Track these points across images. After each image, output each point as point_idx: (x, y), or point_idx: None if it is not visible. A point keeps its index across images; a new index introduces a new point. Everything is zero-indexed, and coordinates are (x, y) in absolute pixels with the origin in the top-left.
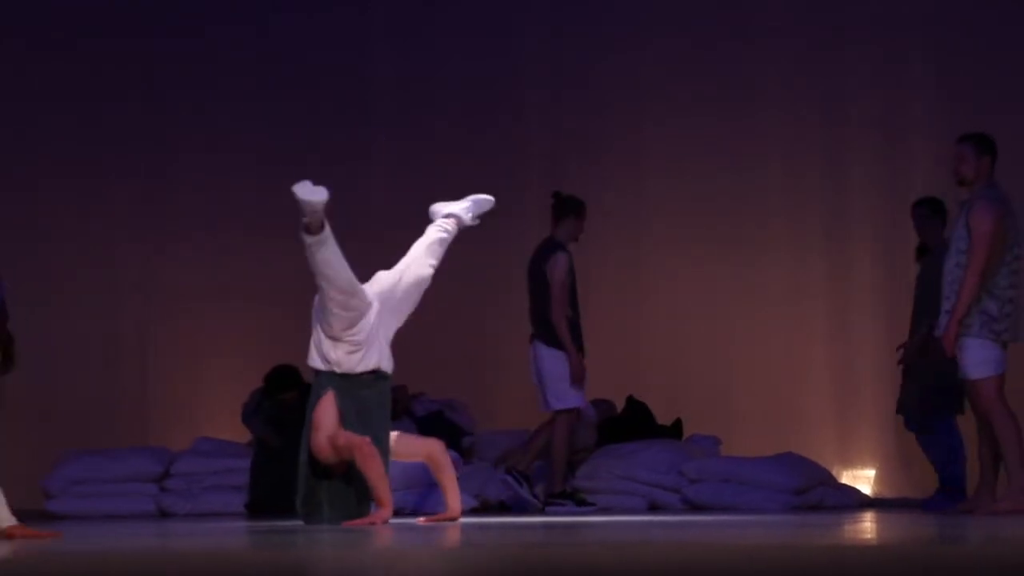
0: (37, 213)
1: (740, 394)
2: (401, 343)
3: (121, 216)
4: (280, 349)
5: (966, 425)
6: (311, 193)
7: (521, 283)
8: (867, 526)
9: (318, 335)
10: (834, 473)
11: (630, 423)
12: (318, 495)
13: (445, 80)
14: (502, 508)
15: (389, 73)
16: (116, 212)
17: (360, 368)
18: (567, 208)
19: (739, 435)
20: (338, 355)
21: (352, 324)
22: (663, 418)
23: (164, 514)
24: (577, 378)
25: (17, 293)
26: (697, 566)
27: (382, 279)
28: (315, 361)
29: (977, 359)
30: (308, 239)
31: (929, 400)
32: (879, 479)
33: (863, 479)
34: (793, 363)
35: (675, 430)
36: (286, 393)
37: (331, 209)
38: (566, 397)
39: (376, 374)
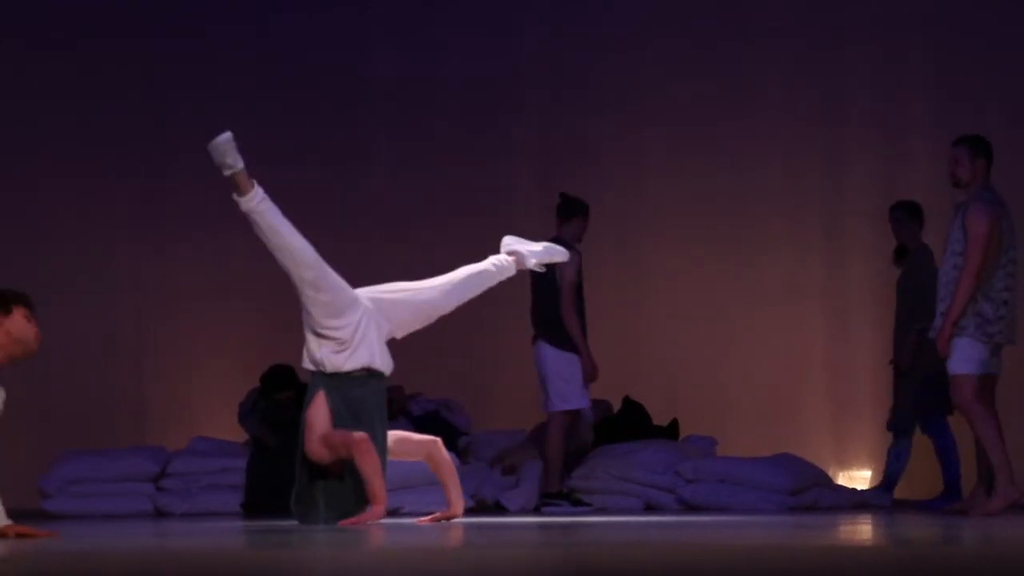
0: (37, 213)
1: (737, 394)
2: (398, 342)
3: (121, 216)
4: (277, 349)
5: (959, 427)
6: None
7: (518, 283)
8: (862, 527)
9: (306, 335)
10: (830, 474)
11: (626, 423)
12: (313, 494)
13: (445, 80)
14: (498, 508)
15: (389, 73)
16: (116, 212)
17: (348, 367)
18: (574, 209)
19: (736, 436)
20: (323, 354)
21: (335, 313)
22: (659, 418)
23: (160, 514)
24: (591, 378)
25: None
26: (693, 567)
27: (393, 285)
28: (305, 362)
29: (961, 356)
30: (241, 201)
31: (922, 403)
32: (875, 480)
33: (859, 480)
34: (790, 363)
35: (671, 430)
36: (282, 393)
37: (253, 170)
38: (569, 398)
39: (369, 372)
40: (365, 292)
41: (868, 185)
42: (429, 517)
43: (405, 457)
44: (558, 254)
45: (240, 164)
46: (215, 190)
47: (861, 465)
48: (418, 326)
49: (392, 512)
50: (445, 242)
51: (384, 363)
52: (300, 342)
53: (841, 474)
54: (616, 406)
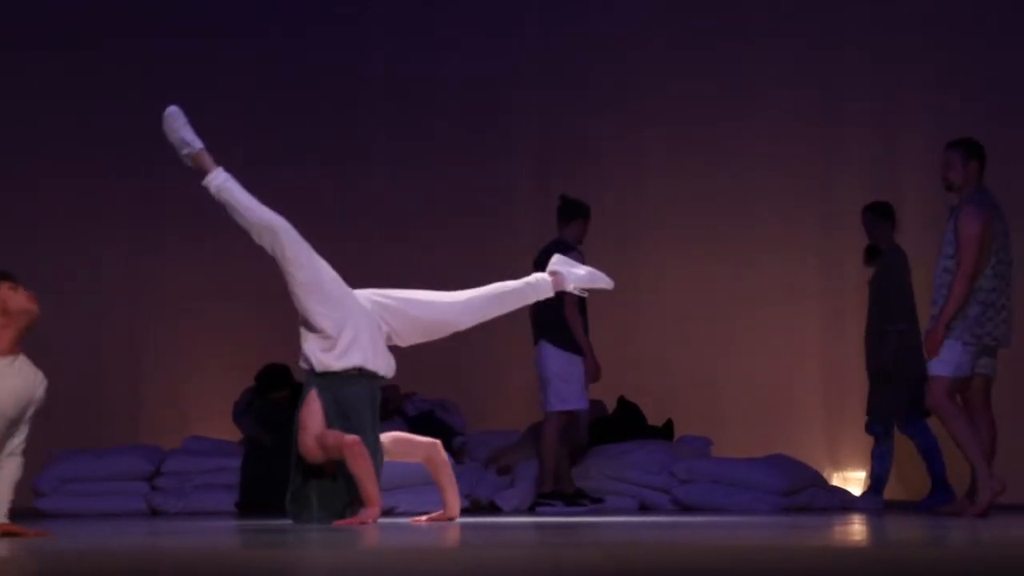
0: (37, 213)
1: (731, 395)
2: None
3: (120, 216)
4: (272, 349)
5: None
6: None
7: None
8: (856, 528)
9: (300, 331)
10: (824, 475)
11: (621, 424)
12: (307, 494)
13: (445, 80)
14: (492, 508)
15: (389, 73)
16: (115, 212)
17: (338, 367)
18: (575, 211)
19: (730, 436)
20: (311, 350)
21: (320, 298)
22: (654, 419)
23: (155, 513)
24: (594, 377)
25: None
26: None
27: (403, 292)
28: (300, 361)
29: (940, 357)
30: (210, 180)
31: (901, 405)
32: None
33: (853, 481)
34: (785, 364)
35: (666, 431)
36: (277, 392)
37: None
38: (569, 399)
39: (361, 372)
40: (366, 293)
41: (867, 185)
42: (425, 518)
43: (405, 458)
44: (601, 280)
45: (199, 144)
46: None
47: (855, 466)
48: (424, 339)
49: (387, 512)
50: (445, 242)
51: (380, 365)
52: (295, 342)
53: (835, 475)
54: (611, 406)
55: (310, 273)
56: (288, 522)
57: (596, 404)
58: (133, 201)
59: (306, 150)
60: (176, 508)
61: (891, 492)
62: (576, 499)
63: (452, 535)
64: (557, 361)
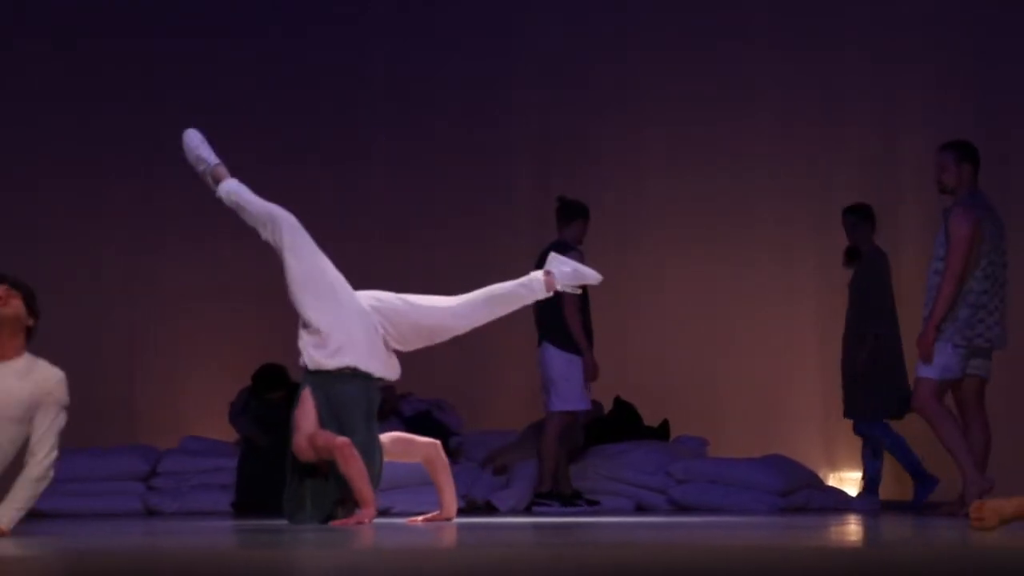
0: (37, 213)
1: (728, 395)
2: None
3: (120, 216)
4: (269, 350)
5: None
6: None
7: None
8: (852, 528)
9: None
10: (821, 475)
11: (617, 424)
12: (302, 494)
13: (445, 80)
14: (489, 508)
15: (389, 73)
16: (115, 212)
17: (330, 365)
18: (574, 212)
19: (726, 436)
20: (304, 345)
21: (315, 292)
22: (651, 419)
23: (151, 513)
24: (591, 377)
25: None
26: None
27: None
28: (299, 359)
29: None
30: (222, 187)
31: (869, 406)
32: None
33: (849, 481)
34: (782, 364)
35: (662, 431)
36: (273, 392)
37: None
38: (571, 400)
39: (354, 372)
40: (367, 294)
41: (867, 186)
42: (421, 518)
43: (404, 458)
44: (588, 276)
45: (215, 159)
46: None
47: (851, 466)
48: (425, 344)
49: (383, 512)
50: (445, 242)
51: (376, 367)
52: (295, 343)
53: (831, 475)
54: (607, 407)
55: (308, 266)
56: (284, 522)
57: (592, 405)
58: (133, 201)
59: (306, 150)
60: (172, 508)
61: (889, 492)
62: (573, 500)
63: (448, 535)
64: (559, 362)
